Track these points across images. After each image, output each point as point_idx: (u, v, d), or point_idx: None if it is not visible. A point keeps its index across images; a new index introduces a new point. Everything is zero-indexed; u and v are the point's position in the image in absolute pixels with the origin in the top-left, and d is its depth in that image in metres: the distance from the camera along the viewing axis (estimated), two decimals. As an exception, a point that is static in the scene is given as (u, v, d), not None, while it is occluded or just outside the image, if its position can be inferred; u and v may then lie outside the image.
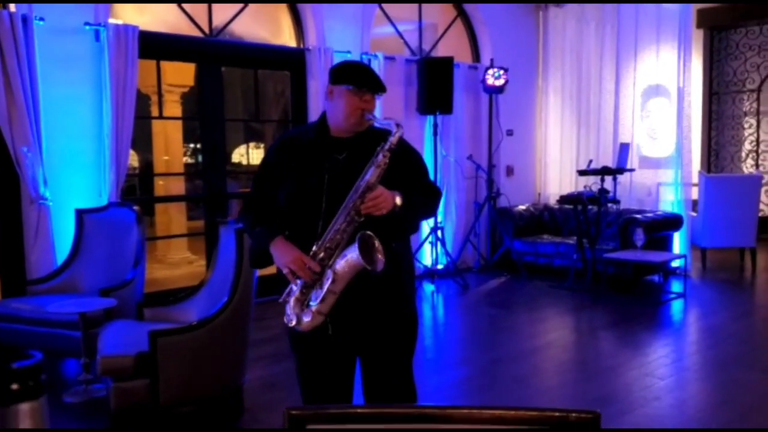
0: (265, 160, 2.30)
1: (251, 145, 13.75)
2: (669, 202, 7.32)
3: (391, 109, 6.64)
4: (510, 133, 7.90)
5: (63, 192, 4.83)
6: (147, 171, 9.38)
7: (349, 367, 2.25)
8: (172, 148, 8.31)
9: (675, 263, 6.79)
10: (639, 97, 7.67)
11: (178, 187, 8.47)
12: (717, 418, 3.42)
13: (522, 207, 7.65)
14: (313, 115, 6.10)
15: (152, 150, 8.41)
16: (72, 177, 4.90)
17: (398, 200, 2.03)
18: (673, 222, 6.81)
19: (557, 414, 0.98)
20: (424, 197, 2.17)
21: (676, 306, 5.89)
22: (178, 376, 3.28)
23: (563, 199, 6.63)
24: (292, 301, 2.06)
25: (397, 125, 2.05)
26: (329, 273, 2.00)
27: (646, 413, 3.49)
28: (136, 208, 4.64)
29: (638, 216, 6.56)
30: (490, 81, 7.10)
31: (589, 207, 6.43)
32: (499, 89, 7.15)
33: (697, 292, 6.32)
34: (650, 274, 6.61)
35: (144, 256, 4.57)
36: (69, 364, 4.40)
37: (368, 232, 1.98)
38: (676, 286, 6.45)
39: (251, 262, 2.27)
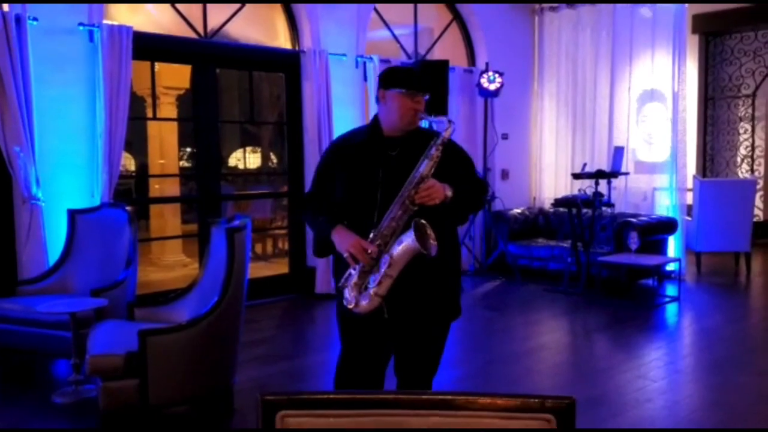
0: (321, 161, 2.52)
1: (248, 149, 13.76)
2: (664, 206, 7.32)
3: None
4: (505, 136, 7.90)
5: (55, 192, 4.81)
6: (142, 174, 9.38)
7: (388, 354, 2.43)
8: (167, 151, 8.30)
9: (669, 267, 6.78)
10: (635, 102, 7.68)
11: (173, 190, 8.45)
12: (709, 419, 3.41)
13: (517, 210, 7.65)
14: (308, 118, 6.10)
15: (147, 153, 8.40)
16: (65, 177, 4.89)
17: (449, 192, 2.22)
18: (667, 226, 6.81)
19: (534, 400, 0.97)
20: (471, 191, 2.35)
21: (671, 309, 5.88)
22: (168, 376, 3.26)
23: (558, 202, 6.63)
24: (350, 285, 2.24)
25: (449, 122, 2.27)
26: (386, 257, 2.18)
27: (638, 415, 3.48)
28: (128, 208, 4.62)
29: (633, 220, 6.56)
30: (485, 85, 7.10)
31: (584, 210, 6.43)
32: (495, 93, 7.16)
33: (691, 296, 6.31)
34: (644, 278, 6.60)
35: (136, 256, 4.55)
36: (60, 365, 4.38)
37: (422, 220, 2.15)
38: (671, 290, 6.44)
39: (315, 251, 2.49)
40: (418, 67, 6.68)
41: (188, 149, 10.83)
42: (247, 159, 13.58)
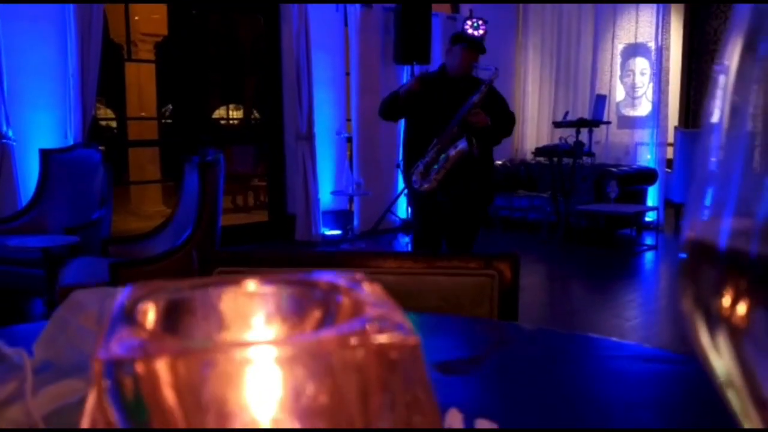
0: (406, 84, 3.78)
1: (231, 106, 13.55)
2: (645, 161, 7.33)
3: (368, 58, 6.55)
4: (488, 87, 7.82)
5: (27, 132, 4.72)
6: (122, 128, 9.23)
7: (442, 224, 3.63)
8: (146, 100, 8.16)
9: (648, 218, 6.82)
10: (618, 56, 7.63)
11: (152, 151, 8.30)
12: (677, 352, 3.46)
13: (499, 162, 7.61)
14: (287, 62, 6.01)
15: (126, 103, 8.25)
16: (37, 117, 4.79)
17: (489, 121, 3.43)
18: (647, 176, 6.83)
19: (482, 259, 0.95)
20: (504, 123, 3.61)
21: (648, 257, 5.93)
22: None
23: (539, 151, 6.61)
24: (417, 173, 3.52)
25: (496, 69, 3.55)
26: (444, 156, 3.43)
27: (609, 349, 3.53)
28: (101, 148, 4.56)
29: (613, 169, 6.57)
30: (469, 31, 7.00)
31: (565, 160, 6.42)
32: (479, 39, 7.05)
33: (669, 245, 6.36)
34: (623, 228, 6.63)
35: (111, 196, 4.49)
36: (36, 305, 4.35)
37: (470, 135, 3.39)
38: (649, 240, 6.49)
39: (385, 114, 3.74)
40: (397, 12, 6.56)
41: (170, 106, 10.67)
42: (230, 115, 13.40)
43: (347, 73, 6.58)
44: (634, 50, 7.60)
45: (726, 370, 0.20)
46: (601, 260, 5.71)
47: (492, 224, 7.08)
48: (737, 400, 0.20)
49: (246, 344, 0.19)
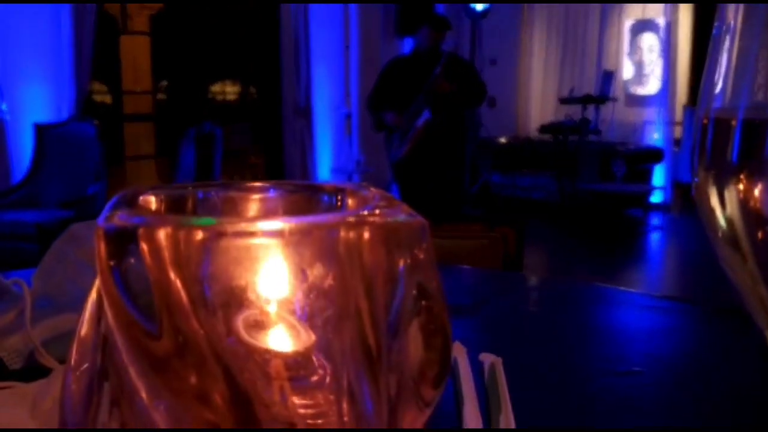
0: (384, 69, 4.20)
1: (228, 81, 13.40)
2: (653, 139, 7.22)
3: (368, 31, 6.41)
4: (494, 62, 7.69)
5: (21, 106, 4.61)
6: (117, 102, 9.10)
7: (423, 194, 4.02)
8: (141, 74, 8.02)
9: (655, 198, 6.72)
10: (627, 32, 7.48)
11: (148, 124, 8.17)
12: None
13: (503, 139, 7.51)
14: (285, 34, 5.89)
15: (120, 75, 8.11)
16: (30, 91, 4.68)
17: (454, 88, 3.82)
18: (654, 155, 6.72)
19: (486, 223, 0.86)
20: (470, 91, 3.99)
21: (653, 237, 5.85)
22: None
23: (544, 128, 6.49)
24: (392, 144, 4.02)
25: (455, 47, 4.55)
26: (415, 125, 3.81)
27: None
28: (96, 122, 4.48)
29: (620, 148, 6.46)
30: (472, 4, 6.84)
31: (570, 138, 6.31)
32: (482, 14, 6.90)
33: (676, 225, 6.27)
34: (630, 208, 6.54)
35: (105, 171, 4.42)
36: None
37: (435, 104, 3.84)
38: (656, 220, 6.40)
39: (374, 126, 4.21)
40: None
41: (165, 82, 10.51)
42: (226, 93, 13.26)
43: (347, 47, 6.45)
44: (642, 26, 7.44)
45: (730, 220, 0.21)
46: (606, 240, 5.62)
47: (494, 203, 6.98)
48: (740, 260, 0.21)
49: (252, 220, 0.20)
